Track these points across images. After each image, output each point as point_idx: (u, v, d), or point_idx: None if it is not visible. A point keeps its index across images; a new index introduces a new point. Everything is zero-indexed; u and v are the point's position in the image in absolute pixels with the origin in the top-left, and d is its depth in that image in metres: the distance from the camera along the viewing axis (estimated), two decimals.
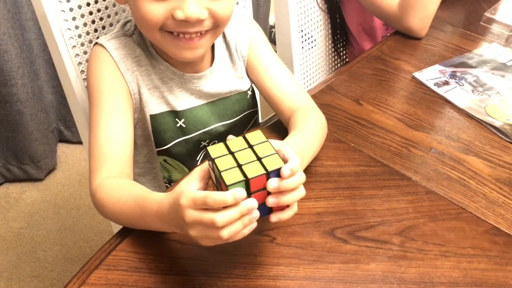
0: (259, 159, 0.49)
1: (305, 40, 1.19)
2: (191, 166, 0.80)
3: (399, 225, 0.64)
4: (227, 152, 0.50)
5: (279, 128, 0.76)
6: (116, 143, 0.65)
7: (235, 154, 0.49)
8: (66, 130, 1.78)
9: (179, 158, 0.78)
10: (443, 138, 0.78)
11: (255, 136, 0.51)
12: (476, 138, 0.79)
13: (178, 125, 0.74)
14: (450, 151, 0.76)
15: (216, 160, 0.48)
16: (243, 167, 0.48)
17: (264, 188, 0.49)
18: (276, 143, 0.53)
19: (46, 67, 1.62)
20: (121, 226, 0.62)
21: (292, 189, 0.49)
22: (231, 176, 0.47)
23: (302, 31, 1.17)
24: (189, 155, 0.78)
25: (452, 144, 0.77)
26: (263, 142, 0.51)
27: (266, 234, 0.61)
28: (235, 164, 0.48)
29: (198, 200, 0.46)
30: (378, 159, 0.74)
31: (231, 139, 0.51)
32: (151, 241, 0.59)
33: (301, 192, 0.51)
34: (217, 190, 0.50)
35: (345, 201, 0.67)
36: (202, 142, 0.78)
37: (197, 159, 0.80)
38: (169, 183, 0.83)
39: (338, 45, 1.29)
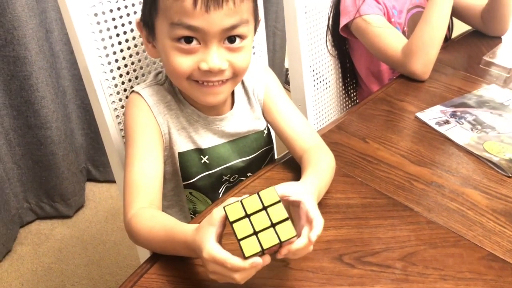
0: (273, 225, 0.54)
1: (318, 83, 1.28)
2: (213, 198, 0.89)
3: (402, 251, 0.70)
4: (243, 214, 0.54)
5: (293, 164, 0.84)
6: (149, 177, 0.73)
7: (251, 218, 0.54)
8: (94, 170, 1.88)
9: (203, 191, 0.87)
10: (444, 173, 0.85)
11: (269, 194, 0.55)
12: (475, 172, 0.85)
13: (202, 161, 0.83)
14: (450, 184, 0.83)
15: (234, 226, 0.53)
16: (259, 235, 0.53)
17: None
18: (296, 190, 0.61)
19: (77, 111, 1.74)
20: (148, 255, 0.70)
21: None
22: (249, 247, 0.53)
23: (314, 75, 1.26)
24: (212, 188, 0.87)
25: (452, 178, 0.84)
26: (276, 203, 0.55)
27: (280, 260, 0.68)
28: (251, 231, 0.53)
29: (218, 261, 0.54)
30: (383, 192, 0.81)
31: (247, 198, 0.55)
32: (179, 266, 0.67)
33: (310, 250, 0.59)
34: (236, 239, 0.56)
35: (352, 230, 0.74)
36: (224, 176, 0.87)
37: (219, 191, 0.89)
38: (194, 213, 0.92)
39: (349, 87, 1.38)
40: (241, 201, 0.55)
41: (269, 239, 0.54)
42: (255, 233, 0.54)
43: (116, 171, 0.92)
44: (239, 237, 0.53)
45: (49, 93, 1.50)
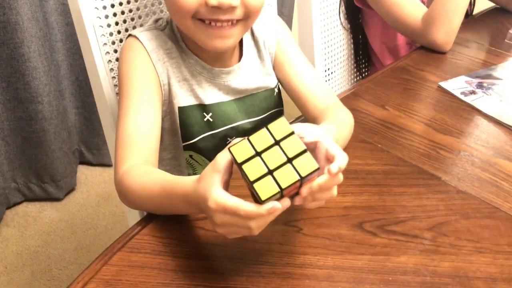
0: (289, 160, 0.45)
1: (329, 58, 1.20)
2: None
3: (430, 221, 0.61)
4: (253, 153, 0.45)
5: None
6: (144, 131, 0.65)
7: (263, 156, 0.45)
8: (87, 152, 1.79)
9: (205, 154, 0.78)
10: (472, 142, 0.77)
11: (280, 126, 0.46)
12: (507, 143, 0.77)
13: (205, 119, 0.74)
14: (480, 154, 0.74)
15: (244, 167, 0.44)
16: (274, 174, 0.44)
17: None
18: (312, 130, 0.51)
19: (71, 88, 1.65)
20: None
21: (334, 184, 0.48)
22: (264, 188, 0.44)
23: (325, 49, 1.18)
24: (215, 150, 0.77)
25: (482, 148, 0.75)
26: (290, 135, 0.46)
27: (292, 224, 0.60)
28: (265, 170, 0.44)
29: (229, 209, 0.45)
30: (406, 160, 0.72)
31: (254, 134, 0.46)
32: (175, 227, 0.58)
33: (334, 193, 0.49)
34: (247, 185, 0.47)
35: (373, 197, 0.65)
36: (228, 138, 0.78)
37: None
38: None
39: (361, 65, 1.29)
40: (248, 139, 0.45)
41: (287, 177, 0.44)
42: (270, 172, 0.44)
43: (108, 132, 0.83)
44: (251, 179, 0.43)
45: (41, 64, 1.41)
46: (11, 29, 1.31)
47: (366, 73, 1.32)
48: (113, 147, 0.78)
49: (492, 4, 1.28)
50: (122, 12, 0.77)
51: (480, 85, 0.91)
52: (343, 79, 1.27)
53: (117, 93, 0.80)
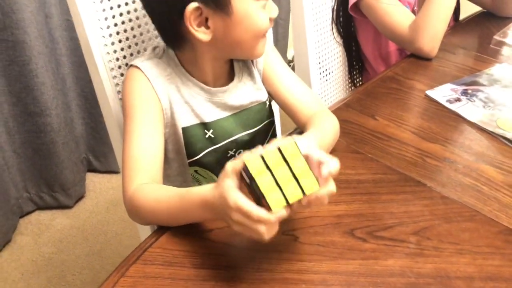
0: (296, 179, 0.53)
1: (323, 72, 1.26)
2: (219, 174, 0.85)
3: (416, 226, 0.67)
4: (265, 168, 0.52)
5: None
6: (149, 153, 0.71)
7: (274, 173, 0.52)
8: (95, 160, 1.86)
9: (209, 167, 0.84)
10: (456, 149, 0.82)
11: (289, 148, 0.53)
12: (488, 148, 0.83)
13: (207, 136, 0.81)
14: (463, 160, 0.80)
15: (256, 179, 0.52)
16: (283, 190, 0.52)
17: None
18: (303, 144, 0.57)
19: (77, 99, 1.72)
20: None
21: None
22: (275, 201, 0.52)
23: (319, 63, 1.24)
24: (218, 164, 0.84)
25: (465, 154, 0.81)
26: (298, 156, 0.53)
27: (289, 234, 0.66)
28: (275, 185, 0.52)
29: (243, 211, 0.52)
30: (394, 168, 0.78)
31: (267, 151, 0.53)
32: (184, 240, 0.64)
33: (325, 202, 0.56)
34: (252, 193, 0.55)
35: (363, 205, 0.71)
36: (229, 151, 0.84)
37: None
38: None
39: (353, 72, 1.35)
40: (261, 155, 0.53)
41: (293, 193, 0.52)
42: (279, 187, 0.52)
43: (117, 148, 0.89)
44: (263, 191, 0.51)
45: (48, 79, 1.47)
46: (19, 48, 1.38)
47: (359, 78, 1.38)
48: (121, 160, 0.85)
49: (479, 8, 1.33)
50: (127, 38, 0.83)
51: (465, 92, 0.96)
52: (337, 87, 1.32)
53: None
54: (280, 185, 0.52)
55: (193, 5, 0.69)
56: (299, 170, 0.53)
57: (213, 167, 0.84)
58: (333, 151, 0.78)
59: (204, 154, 0.82)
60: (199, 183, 0.87)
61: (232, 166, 0.54)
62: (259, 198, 0.53)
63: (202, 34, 0.72)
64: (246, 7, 0.71)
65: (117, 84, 0.84)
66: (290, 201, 0.52)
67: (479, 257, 0.63)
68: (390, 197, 0.72)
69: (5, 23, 1.33)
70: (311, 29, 1.17)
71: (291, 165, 0.53)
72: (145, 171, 0.70)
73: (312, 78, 1.22)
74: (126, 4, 0.82)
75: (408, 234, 0.66)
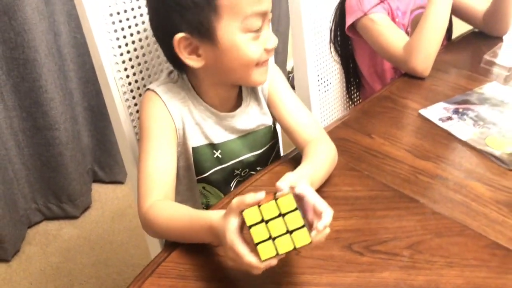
0: (289, 232, 0.56)
1: (321, 84, 1.31)
2: (225, 192, 0.92)
3: (409, 240, 0.73)
4: (260, 219, 0.56)
5: (297, 160, 0.87)
6: (163, 171, 0.76)
7: (268, 224, 0.56)
8: (100, 171, 1.91)
9: (216, 185, 0.90)
10: (447, 166, 0.88)
11: (286, 201, 0.56)
12: (477, 166, 0.88)
13: (215, 155, 0.86)
14: (454, 177, 0.85)
15: (251, 230, 0.56)
16: (275, 241, 0.56)
17: None
18: (297, 181, 0.63)
19: (84, 113, 1.77)
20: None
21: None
22: (265, 251, 0.56)
23: (318, 75, 1.29)
24: (224, 182, 0.90)
25: (456, 171, 0.87)
26: (293, 210, 0.56)
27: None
28: (267, 235, 0.56)
29: (236, 253, 0.57)
30: (389, 185, 0.83)
31: (265, 205, 0.56)
32: (195, 254, 0.69)
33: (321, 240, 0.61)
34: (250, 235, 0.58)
35: (360, 220, 0.76)
36: (235, 171, 0.90)
37: (231, 185, 0.92)
38: (207, 208, 0.94)
39: (351, 88, 1.41)
40: (258, 206, 0.56)
41: (284, 245, 0.56)
42: (272, 238, 0.56)
43: (129, 166, 0.94)
44: (255, 242, 0.56)
45: (57, 94, 1.53)
46: (30, 65, 1.43)
47: (357, 93, 1.44)
48: (134, 179, 0.90)
49: (470, 27, 1.39)
50: (139, 64, 0.89)
51: (456, 111, 1.02)
52: (336, 101, 1.38)
53: (136, 133, 0.92)
54: (273, 236, 0.56)
55: (180, 35, 0.75)
56: (293, 223, 0.56)
57: (219, 184, 0.90)
58: (333, 170, 0.83)
59: (211, 173, 0.87)
60: (206, 198, 0.92)
61: (237, 203, 0.58)
62: (253, 244, 0.57)
63: (193, 62, 0.77)
64: (233, 38, 0.75)
65: (129, 107, 0.90)
66: (280, 253, 0.56)
67: (467, 269, 0.68)
68: (385, 213, 0.78)
69: (17, 42, 1.39)
70: (310, 48, 1.22)
71: (285, 218, 0.56)
72: (159, 188, 0.75)
73: (311, 90, 1.28)
74: (138, 32, 0.88)
75: (401, 248, 0.71)
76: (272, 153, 0.95)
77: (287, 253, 0.57)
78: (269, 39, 0.78)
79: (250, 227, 0.56)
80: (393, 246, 0.72)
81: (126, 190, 1.92)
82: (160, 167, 0.76)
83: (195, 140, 0.84)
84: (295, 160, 0.88)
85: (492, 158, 0.89)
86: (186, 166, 0.87)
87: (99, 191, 1.92)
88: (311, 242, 0.57)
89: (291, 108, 0.88)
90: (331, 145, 0.84)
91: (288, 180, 0.65)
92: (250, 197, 0.57)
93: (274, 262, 0.57)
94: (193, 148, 0.84)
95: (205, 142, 0.85)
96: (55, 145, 1.60)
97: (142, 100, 0.82)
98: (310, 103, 1.29)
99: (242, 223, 0.59)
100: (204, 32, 0.74)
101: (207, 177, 0.88)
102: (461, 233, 0.74)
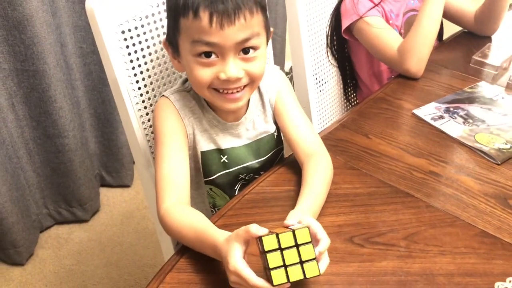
0: (301, 262, 0.61)
1: (319, 86, 1.38)
2: (230, 194, 0.98)
3: (405, 232, 0.79)
4: (277, 246, 0.61)
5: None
6: (178, 174, 0.82)
7: (284, 252, 0.61)
8: (108, 175, 1.97)
9: (221, 187, 0.96)
10: (440, 162, 0.94)
11: (303, 233, 0.62)
12: (467, 161, 0.95)
13: (222, 160, 0.92)
14: (446, 172, 0.92)
15: (267, 256, 0.60)
16: (287, 268, 0.60)
17: None
18: (306, 220, 0.68)
19: (90, 119, 1.83)
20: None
21: None
22: (277, 277, 0.60)
23: (316, 78, 1.36)
24: (229, 185, 0.96)
25: (447, 167, 0.93)
26: (308, 243, 0.62)
27: None
28: (282, 263, 0.60)
29: (242, 277, 0.61)
30: (386, 181, 0.90)
31: (283, 234, 0.61)
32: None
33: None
34: (262, 259, 0.63)
35: (360, 215, 0.83)
36: (240, 175, 0.96)
37: (235, 188, 0.98)
38: (214, 207, 1.01)
39: (348, 89, 1.47)
40: (277, 235, 0.61)
41: (295, 274, 0.61)
42: (285, 266, 0.61)
43: (141, 171, 1.01)
44: (270, 267, 0.60)
45: (66, 103, 1.59)
46: (39, 76, 1.49)
47: (354, 96, 1.50)
48: (146, 184, 0.97)
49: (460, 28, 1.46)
50: (149, 76, 0.95)
51: (447, 110, 1.08)
52: (334, 103, 1.45)
53: (148, 140, 0.98)
54: (286, 264, 0.60)
55: (163, 38, 0.86)
56: (306, 254, 0.61)
57: (225, 187, 0.96)
58: (333, 168, 0.89)
59: (218, 176, 0.94)
60: (213, 199, 0.99)
61: (244, 233, 0.62)
62: (265, 268, 0.63)
63: (176, 65, 0.87)
64: (186, 57, 0.81)
65: (141, 116, 0.96)
66: (291, 280, 0.61)
67: (458, 256, 0.75)
68: (383, 208, 0.84)
69: (27, 54, 1.45)
70: (307, 51, 1.29)
71: (300, 249, 0.61)
72: (174, 190, 0.81)
73: (310, 92, 1.34)
74: (148, 47, 0.94)
75: (398, 239, 0.78)
76: (276, 159, 1.01)
77: (296, 281, 0.62)
78: (225, 71, 0.78)
79: (266, 252, 0.60)
80: (390, 238, 0.78)
81: (133, 193, 1.99)
82: (175, 171, 0.82)
83: (204, 145, 0.90)
84: (296, 163, 0.94)
85: (481, 154, 0.96)
86: (195, 168, 0.93)
87: (107, 195, 1.98)
88: (319, 274, 0.62)
89: (294, 121, 0.93)
90: (327, 162, 0.87)
91: (294, 218, 0.69)
92: (255, 228, 0.61)
93: (286, 286, 0.61)
94: (201, 152, 0.90)
95: (213, 147, 0.91)
96: (64, 152, 1.66)
97: (157, 105, 0.88)
98: (309, 104, 1.35)
99: (246, 248, 0.64)
100: (173, 43, 0.83)
101: (214, 179, 0.94)
102: (453, 224, 0.81)
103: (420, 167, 0.93)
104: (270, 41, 1.15)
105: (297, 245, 0.62)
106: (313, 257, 0.62)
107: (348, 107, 1.51)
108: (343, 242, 0.77)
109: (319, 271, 0.62)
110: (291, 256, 0.61)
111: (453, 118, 1.06)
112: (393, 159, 0.95)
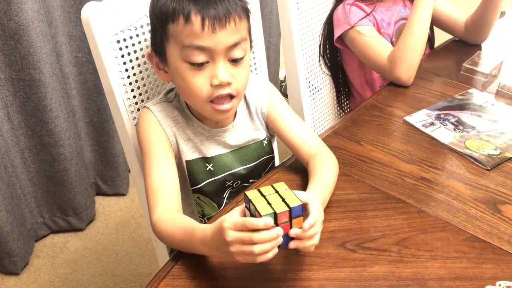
0: (283, 200, 0.66)
1: (313, 94, 1.40)
2: (218, 202, 0.99)
3: (396, 237, 0.80)
4: (260, 195, 0.67)
5: (295, 168, 0.95)
6: (167, 183, 0.83)
7: (266, 197, 0.67)
8: (103, 184, 1.98)
9: (209, 195, 0.97)
10: (431, 169, 0.96)
11: (281, 185, 0.69)
12: (458, 167, 0.96)
13: (207, 168, 0.93)
14: (437, 178, 0.93)
15: (252, 199, 0.66)
16: (272, 205, 0.65)
17: (287, 222, 0.66)
18: (303, 195, 0.69)
19: (86, 128, 1.84)
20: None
21: (309, 237, 0.66)
22: (264, 209, 0.64)
23: (309, 87, 1.37)
24: (217, 193, 0.97)
25: (438, 173, 0.95)
26: (286, 189, 0.68)
27: (292, 250, 0.78)
28: (266, 202, 0.66)
29: (238, 223, 0.63)
30: (377, 188, 0.91)
31: (263, 187, 0.68)
32: (204, 257, 0.76)
33: (316, 240, 0.67)
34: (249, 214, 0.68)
35: (352, 221, 0.84)
36: (227, 182, 0.97)
37: (224, 196, 0.99)
38: (202, 216, 1.02)
39: (341, 97, 1.49)
40: (258, 189, 0.68)
41: (280, 207, 0.65)
42: (269, 204, 0.66)
43: (136, 179, 1.02)
44: (256, 205, 0.65)
45: (61, 112, 1.60)
46: (35, 86, 1.50)
47: (346, 103, 1.52)
48: (142, 190, 0.97)
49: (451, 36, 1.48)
50: (144, 85, 0.97)
51: (438, 117, 1.10)
52: (327, 110, 1.46)
53: None
54: (271, 203, 0.66)
55: (149, 50, 0.86)
56: (285, 194, 0.68)
57: (212, 195, 0.97)
58: None
59: (204, 184, 0.95)
60: (201, 207, 1.00)
61: (239, 208, 0.67)
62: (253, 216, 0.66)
63: (162, 76, 0.88)
64: (176, 64, 0.81)
65: (136, 124, 0.97)
66: (277, 211, 0.64)
67: (449, 261, 0.76)
68: (375, 213, 0.85)
69: (23, 64, 1.46)
70: (301, 59, 1.31)
71: (280, 193, 0.68)
72: (164, 199, 0.82)
73: (303, 100, 1.36)
74: (143, 56, 0.95)
75: (390, 245, 0.79)
76: (266, 168, 1.02)
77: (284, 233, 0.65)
78: (216, 75, 0.79)
79: (251, 199, 0.66)
80: (382, 243, 0.79)
81: (129, 202, 1.99)
82: (164, 180, 0.83)
83: (189, 154, 0.91)
84: (292, 168, 0.96)
85: (471, 160, 0.97)
86: (182, 177, 0.93)
87: (102, 203, 1.98)
88: (301, 204, 0.66)
89: (291, 125, 0.94)
90: (332, 158, 0.90)
91: (300, 195, 0.70)
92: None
93: (270, 221, 0.62)
94: (186, 162, 0.91)
95: (198, 156, 0.92)
96: (60, 161, 1.67)
97: (139, 117, 0.90)
98: (303, 111, 1.37)
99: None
100: (161, 52, 0.84)
101: (201, 188, 0.95)
102: (444, 229, 0.82)
103: (412, 173, 0.95)
104: (264, 50, 1.17)
105: (277, 191, 0.68)
106: (294, 195, 0.67)
107: (341, 114, 1.53)
108: (335, 247, 0.78)
109: (300, 201, 0.66)
110: (273, 198, 0.67)
111: (444, 125, 1.07)
112: (385, 166, 0.97)
